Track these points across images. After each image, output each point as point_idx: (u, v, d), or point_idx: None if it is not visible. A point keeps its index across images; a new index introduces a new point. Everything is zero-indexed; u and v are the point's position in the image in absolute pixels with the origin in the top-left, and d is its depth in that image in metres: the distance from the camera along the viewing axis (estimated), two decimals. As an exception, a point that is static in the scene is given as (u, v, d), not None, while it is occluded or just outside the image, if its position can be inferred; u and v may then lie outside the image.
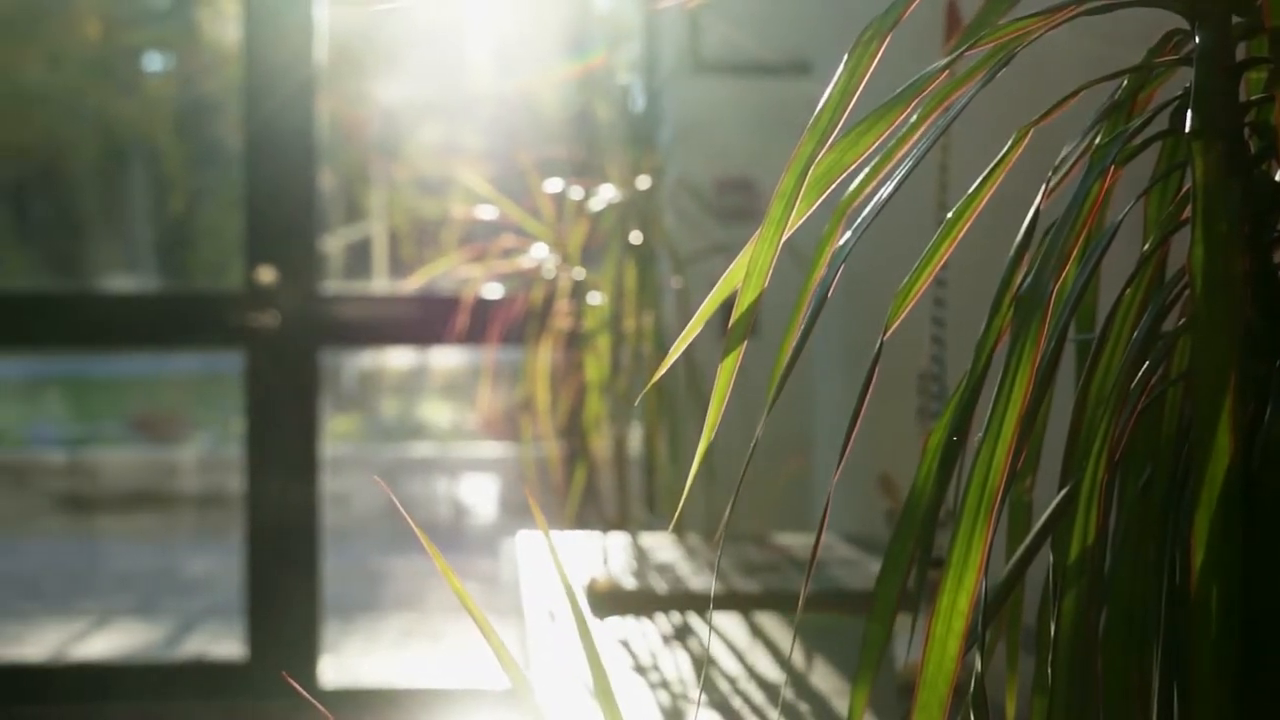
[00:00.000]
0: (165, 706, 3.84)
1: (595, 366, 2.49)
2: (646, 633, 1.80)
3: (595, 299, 2.56)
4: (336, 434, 7.74)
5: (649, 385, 0.74)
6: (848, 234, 0.72)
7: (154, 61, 6.77)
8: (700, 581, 2.00)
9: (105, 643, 5.14)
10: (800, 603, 0.65)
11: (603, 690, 0.72)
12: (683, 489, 2.47)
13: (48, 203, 6.68)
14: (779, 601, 1.92)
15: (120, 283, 6.80)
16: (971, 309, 1.33)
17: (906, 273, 0.73)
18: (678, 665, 1.63)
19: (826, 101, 0.70)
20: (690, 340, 0.75)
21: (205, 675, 3.92)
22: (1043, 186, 0.71)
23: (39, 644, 5.10)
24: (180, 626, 5.41)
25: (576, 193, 2.66)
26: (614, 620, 1.86)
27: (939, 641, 0.64)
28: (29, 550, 6.71)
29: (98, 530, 7.01)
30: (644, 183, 2.50)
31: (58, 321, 3.99)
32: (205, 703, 3.83)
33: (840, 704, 1.46)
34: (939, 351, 1.49)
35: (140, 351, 7.62)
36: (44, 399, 8.91)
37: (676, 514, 0.73)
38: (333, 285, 5.41)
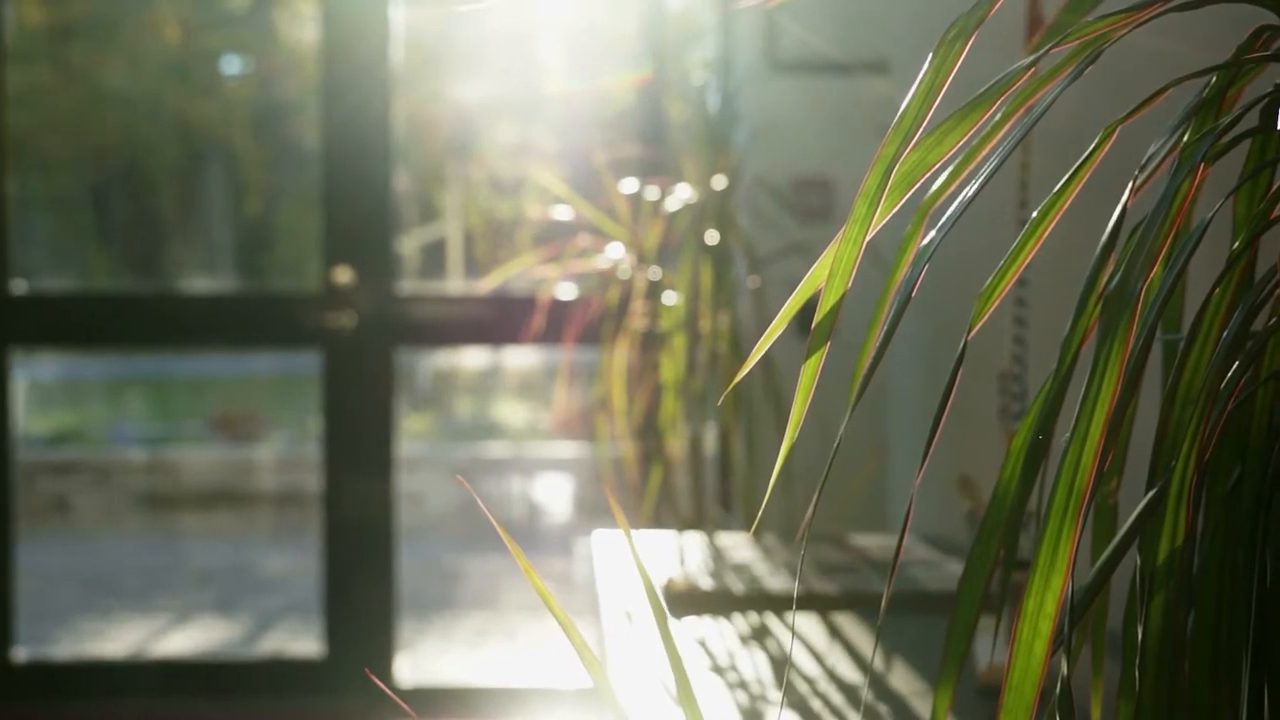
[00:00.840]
0: (243, 703, 3.88)
1: (671, 367, 2.48)
2: (724, 633, 1.79)
3: (671, 299, 2.56)
4: (411, 433, 7.79)
5: (729, 387, 0.74)
6: (930, 233, 0.72)
7: (232, 64, 6.84)
8: (777, 582, 2.00)
9: (185, 639, 5.20)
10: (884, 603, 0.65)
11: (684, 690, 0.72)
12: (758, 489, 2.46)
13: (128, 204, 6.77)
14: (857, 602, 1.91)
15: (199, 283, 6.88)
16: (1050, 308, 1.31)
17: (981, 271, 0.72)
18: (756, 666, 1.63)
19: (911, 100, 0.70)
20: (771, 341, 0.75)
21: (283, 672, 3.95)
22: (1129, 184, 0.71)
23: (120, 640, 5.17)
24: (258, 624, 5.46)
25: (652, 193, 2.67)
26: (691, 620, 1.86)
27: (1025, 645, 0.64)
28: (110, 547, 6.81)
29: (178, 528, 7.10)
30: (720, 182, 2.50)
31: (138, 321, 4.04)
32: (283, 699, 3.87)
33: (921, 706, 1.45)
34: (1020, 351, 1.47)
35: (219, 351, 7.72)
36: (125, 399, 9.04)
37: (758, 515, 0.73)
38: (408, 285, 5.45)
